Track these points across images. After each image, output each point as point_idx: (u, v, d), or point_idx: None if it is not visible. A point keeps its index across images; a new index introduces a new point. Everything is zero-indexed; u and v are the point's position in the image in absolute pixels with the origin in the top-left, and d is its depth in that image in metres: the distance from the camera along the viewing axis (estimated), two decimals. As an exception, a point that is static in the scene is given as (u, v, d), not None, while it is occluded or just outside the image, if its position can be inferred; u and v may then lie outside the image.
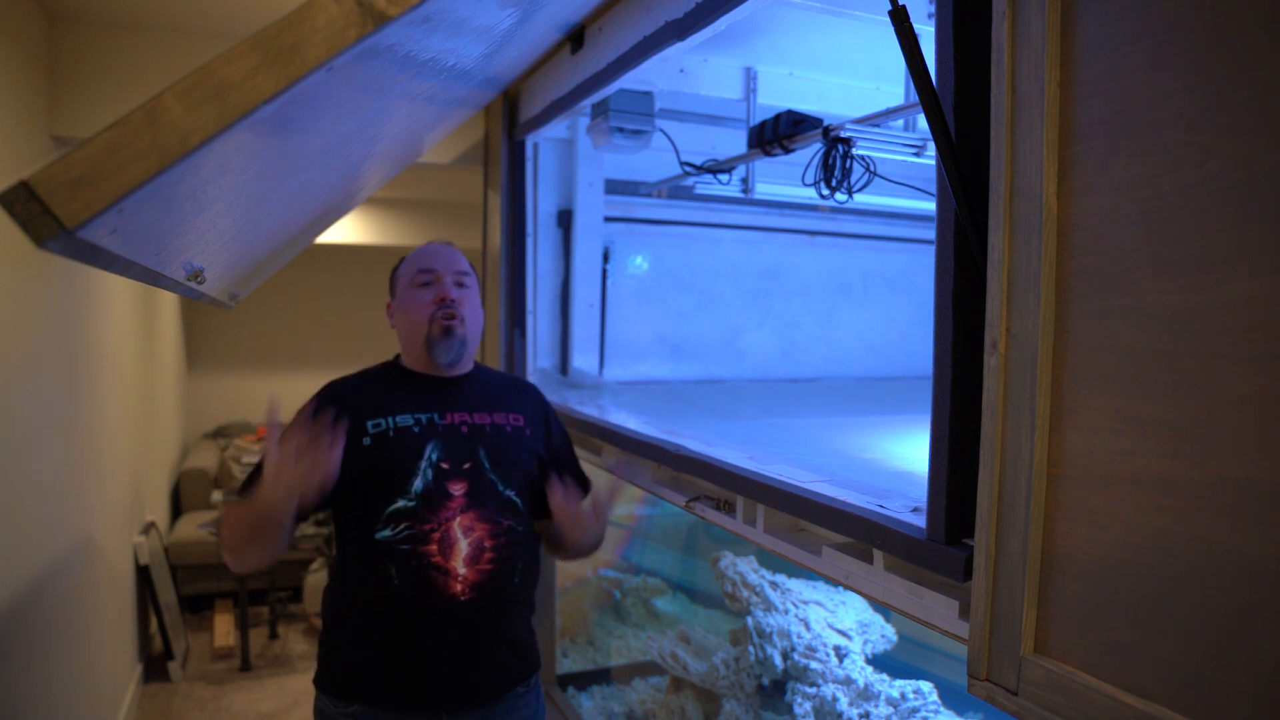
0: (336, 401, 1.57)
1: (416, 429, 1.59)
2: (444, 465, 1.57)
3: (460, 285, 1.67)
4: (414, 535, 1.53)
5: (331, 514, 1.63)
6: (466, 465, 1.59)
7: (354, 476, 1.53)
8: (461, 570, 1.54)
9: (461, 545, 1.55)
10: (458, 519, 1.55)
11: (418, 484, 1.55)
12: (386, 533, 1.53)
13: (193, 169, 0.85)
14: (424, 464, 1.56)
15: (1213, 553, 0.65)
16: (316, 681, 1.62)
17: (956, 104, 0.89)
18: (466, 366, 1.71)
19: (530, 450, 1.68)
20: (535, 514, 1.69)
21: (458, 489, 1.57)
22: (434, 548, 1.54)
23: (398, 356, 1.72)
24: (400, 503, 1.54)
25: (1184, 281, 0.67)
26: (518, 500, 1.63)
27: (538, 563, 1.70)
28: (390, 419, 1.59)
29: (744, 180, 2.16)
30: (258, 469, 1.51)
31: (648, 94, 1.99)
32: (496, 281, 2.59)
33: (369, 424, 1.57)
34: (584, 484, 1.79)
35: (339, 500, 1.56)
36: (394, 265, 1.74)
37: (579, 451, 2.00)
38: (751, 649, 2.00)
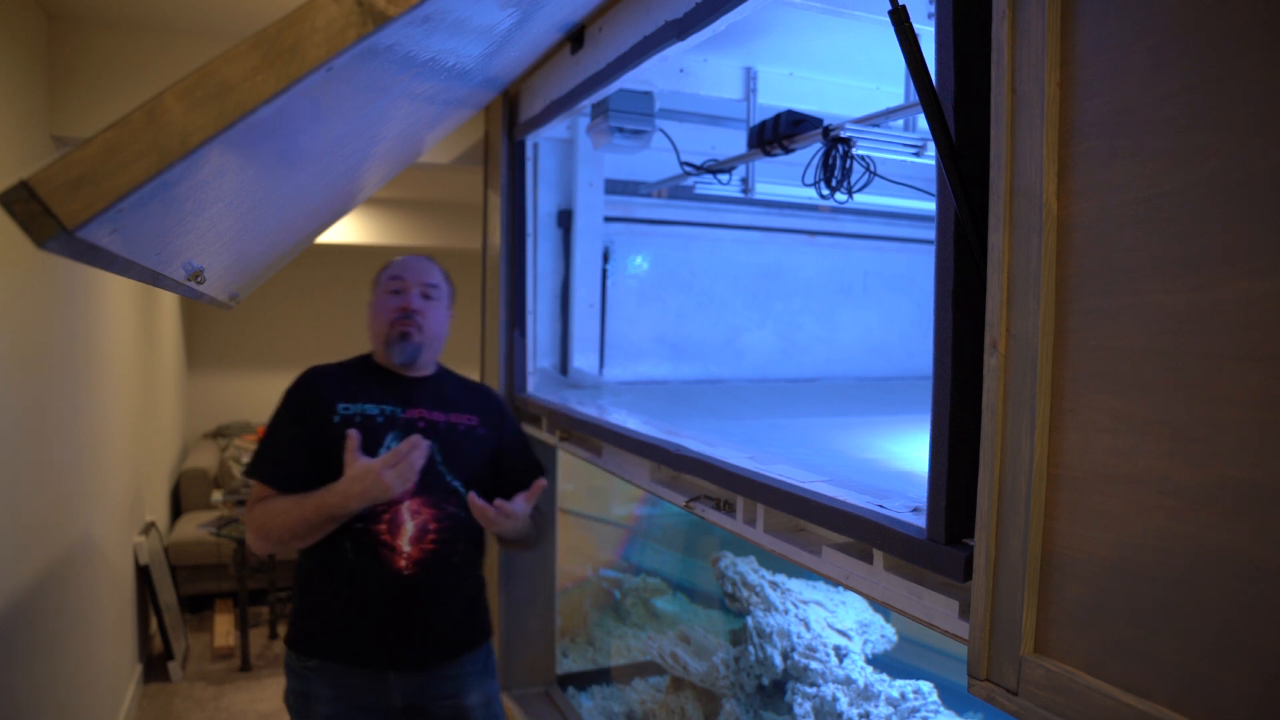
0: (316, 384, 1.81)
1: (380, 419, 1.80)
2: None
3: (426, 297, 1.86)
4: (367, 515, 1.74)
5: None
6: None
7: (323, 450, 1.74)
8: (406, 548, 1.75)
9: (408, 526, 1.76)
10: (406, 503, 1.76)
11: None
12: None
13: (193, 169, 0.85)
14: (382, 450, 1.75)
15: (1213, 553, 0.65)
16: (286, 640, 1.85)
17: (956, 104, 0.89)
18: (428, 368, 1.93)
19: (481, 448, 1.90)
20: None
21: None
22: (383, 527, 1.75)
23: (371, 353, 1.93)
24: None
25: (1184, 281, 0.67)
26: (462, 490, 1.83)
27: (480, 546, 1.90)
28: (358, 405, 1.80)
29: (744, 180, 2.16)
30: (266, 459, 1.77)
31: (648, 94, 1.98)
32: (496, 281, 2.59)
33: (339, 406, 1.79)
34: (536, 470, 2.00)
35: (312, 475, 1.75)
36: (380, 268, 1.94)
37: (579, 450, 2.01)
38: (751, 649, 2.00)
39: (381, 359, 1.87)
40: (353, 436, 1.68)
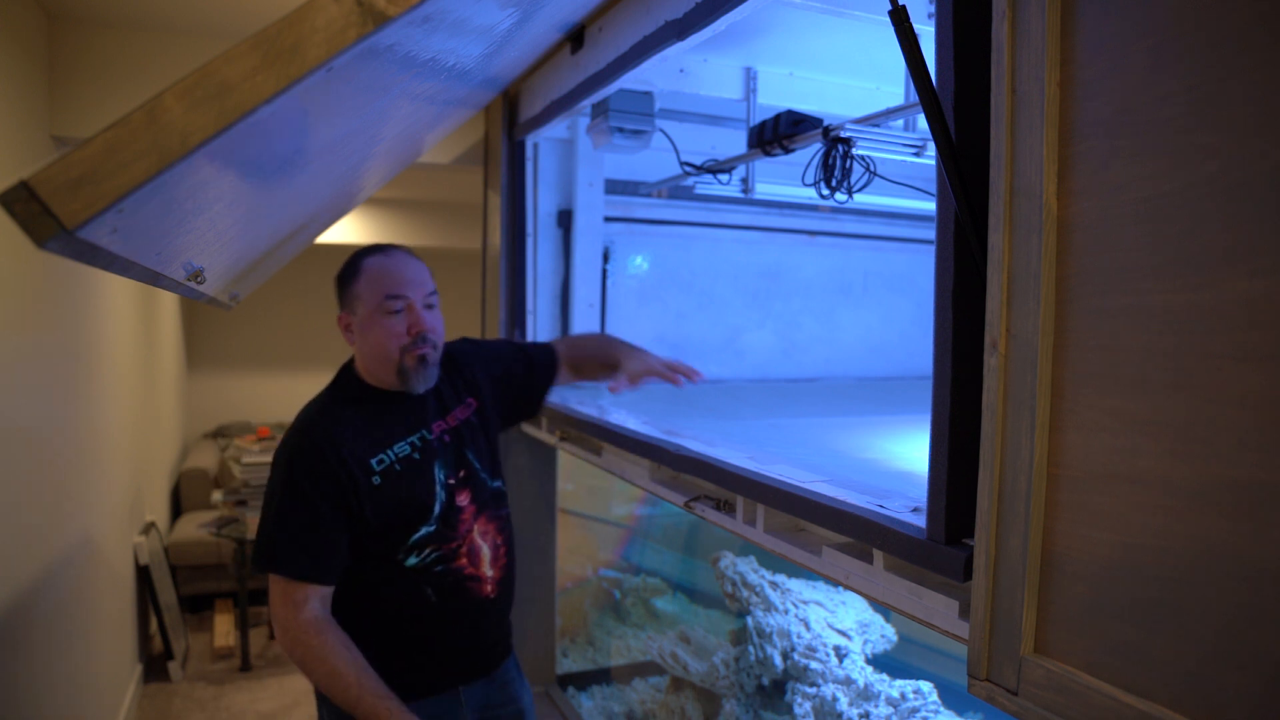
0: (334, 448, 1.51)
1: (417, 455, 1.58)
2: (450, 482, 1.60)
3: (429, 308, 1.59)
4: (443, 555, 1.59)
5: None
6: (462, 473, 1.63)
7: (374, 519, 1.52)
8: (489, 573, 1.64)
9: (484, 551, 1.63)
10: (474, 527, 1.62)
11: (437, 508, 1.58)
12: (414, 559, 1.56)
13: (193, 169, 0.85)
14: (438, 488, 1.58)
15: (1213, 553, 0.65)
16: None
17: (956, 104, 0.89)
18: None
19: (491, 425, 1.74)
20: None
21: (464, 499, 1.62)
22: (464, 561, 1.60)
23: (349, 369, 1.64)
24: (423, 530, 1.56)
25: (1184, 281, 0.67)
26: (501, 485, 1.72)
27: None
28: (389, 451, 1.55)
29: (744, 180, 2.16)
30: (298, 552, 1.49)
31: (648, 94, 1.98)
32: (496, 281, 2.59)
33: (373, 463, 1.53)
34: (551, 358, 1.89)
35: (356, 540, 1.54)
36: (341, 270, 1.61)
37: (579, 450, 2.00)
38: (751, 649, 2.00)
39: (383, 381, 1.61)
40: None
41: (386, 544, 1.55)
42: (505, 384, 1.80)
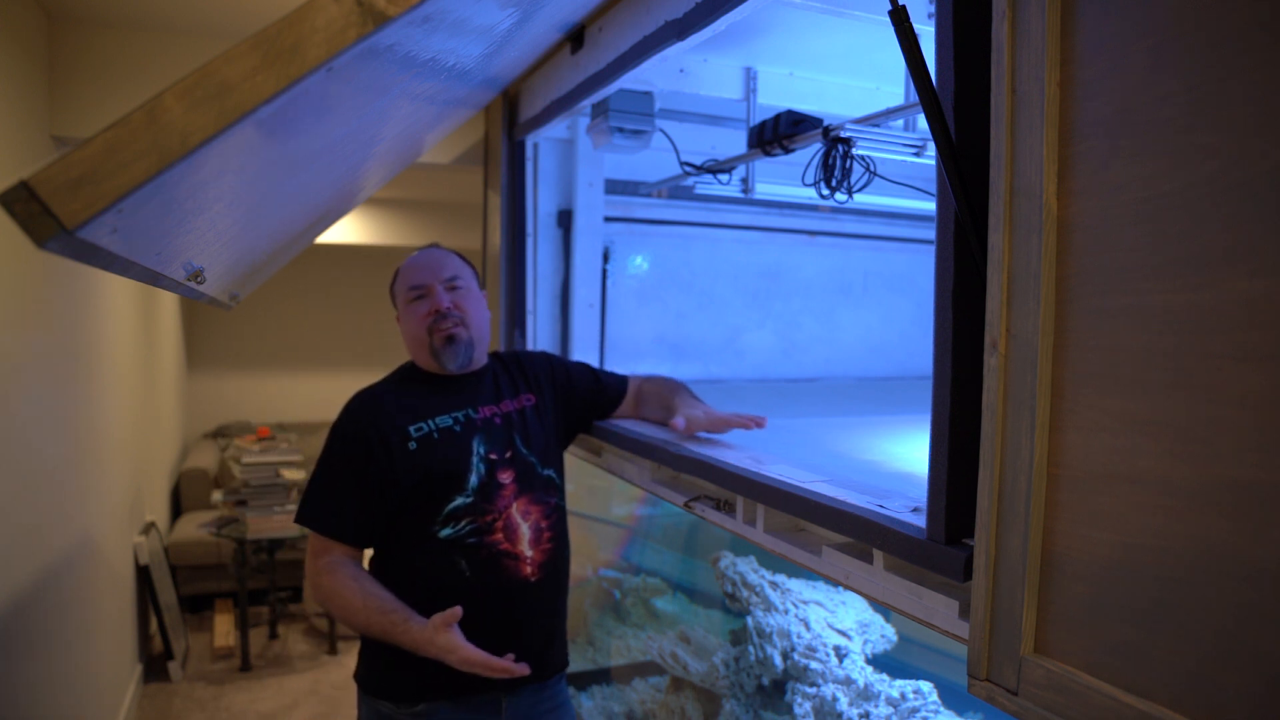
0: (372, 413, 1.62)
1: (458, 428, 1.64)
2: (491, 456, 1.63)
3: (452, 289, 1.68)
4: (479, 528, 1.59)
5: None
6: (508, 454, 1.66)
7: (406, 483, 1.58)
8: (529, 553, 1.61)
9: (523, 529, 1.62)
10: (514, 505, 1.62)
11: (473, 479, 1.60)
12: (449, 530, 1.58)
13: (193, 169, 0.85)
14: (475, 459, 1.62)
15: (1213, 553, 0.65)
16: (370, 688, 1.62)
17: (956, 104, 0.89)
18: (481, 362, 1.75)
19: (552, 423, 1.77)
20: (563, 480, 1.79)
21: (506, 477, 1.63)
22: (500, 536, 1.60)
23: (413, 362, 1.74)
24: (458, 500, 1.59)
25: (1184, 281, 0.67)
26: (556, 477, 1.72)
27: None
28: (430, 421, 1.63)
29: (744, 180, 2.16)
30: (324, 508, 1.59)
31: (648, 94, 1.98)
32: (496, 281, 2.59)
33: (410, 429, 1.61)
34: (621, 385, 1.87)
35: (392, 508, 1.59)
36: (392, 276, 1.76)
37: (580, 450, 2.00)
38: (751, 649, 2.00)
39: (431, 367, 1.70)
40: (454, 615, 1.48)
41: (422, 512, 1.58)
42: (569, 393, 1.83)
